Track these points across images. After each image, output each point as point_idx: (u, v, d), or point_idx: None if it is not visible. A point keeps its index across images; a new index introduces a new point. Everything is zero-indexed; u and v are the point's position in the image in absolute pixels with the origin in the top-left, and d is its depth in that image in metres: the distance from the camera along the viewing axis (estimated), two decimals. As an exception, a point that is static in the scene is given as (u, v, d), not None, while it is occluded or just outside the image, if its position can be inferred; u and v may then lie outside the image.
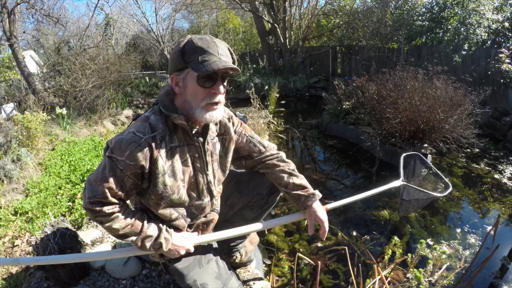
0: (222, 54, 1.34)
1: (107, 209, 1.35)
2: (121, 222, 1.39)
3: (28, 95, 6.95)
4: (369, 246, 2.86)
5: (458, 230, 3.09)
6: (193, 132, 1.45)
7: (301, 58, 11.87)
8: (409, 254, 2.69)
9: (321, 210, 1.73)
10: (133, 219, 1.43)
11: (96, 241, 2.58)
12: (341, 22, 12.24)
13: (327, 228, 1.73)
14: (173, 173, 1.43)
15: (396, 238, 2.89)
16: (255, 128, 5.34)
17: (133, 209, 1.55)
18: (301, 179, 1.77)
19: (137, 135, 1.33)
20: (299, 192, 1.73)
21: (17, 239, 2.95)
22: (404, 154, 3.02)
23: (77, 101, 6.85)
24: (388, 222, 3.26)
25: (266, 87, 6.81)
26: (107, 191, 1.32)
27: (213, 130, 1.58)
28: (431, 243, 2.89)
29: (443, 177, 3.03)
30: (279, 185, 1.78)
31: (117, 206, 1.39)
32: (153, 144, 1.35)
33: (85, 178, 3.83)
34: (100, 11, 12.05)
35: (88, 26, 9.96)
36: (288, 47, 11.82)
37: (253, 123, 5.40)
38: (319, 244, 2.88)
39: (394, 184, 2.51)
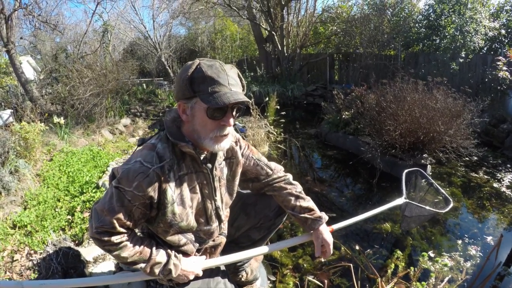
0: (233, 84, 1.31)
1: (115, 239, 1.33)
2: (129, 251, 1.37)
3: (25, 102, 6.90)
4: (372, 260, 2.84)
5: (459, 241, 3.08)
6: (201, 158, 1.44)
7: (298, 65, 11.90)
8: (412, 268, 2.68)
9: (327, 233, 1.74)
10: (142, 246, 1.41)
11: (99, 258, 2.54)
12: (338, 30, 12.28)
13: (331, 251, 1.75)
14: (181, 201, 1.41)
15: (398, 251, 2.88)
16: (255, 139, 5.32)
17: (140, 235, 1.53)
18: (307, 202, 1.77)
19: (145, 165, 1.31)
20: (306, 215, 1.74)
21: (16, 253, 2.89)
22: (406, 171, 3.04)
23: (74, 110, 6.80)
24: (390, 235, 3.25)
25: (267, 98, 6.79)
26: (115, 221, 1.30)
27: (220, 154, 1.56)
28: (432, 255, 2.88)
29: (444, 192, 3.04)
30: (286, 207, 1.78)
31: (125, 235, 1.37)
32: (162, 175, 1.32)
33: (84, 190, 3.80)
34: (98, 18, 12.03)
35: (86, 33, 9.93)
36: (286, 54, 11.85)
37: (252, 134, 5.39)
38: (323, 259, 2.84)
39: (397, 202, 2.55)
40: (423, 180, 3.27)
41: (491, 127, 5.99)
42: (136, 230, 1.53)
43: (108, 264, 2.40)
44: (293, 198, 1.75)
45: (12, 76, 8.92)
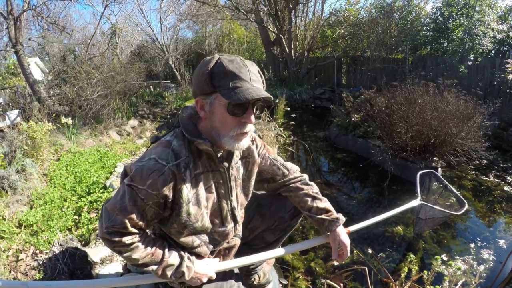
0: (254, 80, 1.26)
1: (126, 239, 1.27)
2: (141, 252, 1.31)
3: (32, 102, 6.91)
4: (385, 263, 2.80)
5: (471, 245, 3.05)
6: (218, 156, 1.38)
7: (306, 69, 11.84)
8: (425, 271, 2.62)
9: (344, 235, 1.69)
10: (154, 248, 1.35)
11: (106, 259, 2.48)
12: (346, 33, 12.23)
13: (348, 253, 1.70)
14: (197, 201, 1.35)
15: (411, 255, 2.83)
16: (264, 141, 5.27)
17: (152, 236, 1.47)
18: (324, 203, 1.72)
19: (160, 162, 1.24)
20: (323, 216, 1.68)
21: (21, 252, 2.85)
22: (420, 172, 3.01)
23: (82, 110, 6.79)
24: (402, 238, 3.20)
25: (278, 100, 6.74)
26: (126, 221, 1.24)
27: (236, 153, 1.50)
28: (445, 258, 2.84)
29: (458, 194, 3.00)
30: (302, 208, 1.73)
31: (137, 236, 1.31)
32: (177, 173, 1.26)
33: (91, 191, 3.77)
34: (106, 20, 12.08)
35: (94, 35, 9.96)
36: (294, 57, 11.79)
37: (262, 136, 5.33)
38: (335, 263, 2.80)
39: (412, 203, 2.54)
40: (435, 183, 3.22)
41: (500, 130, 5.96)
42: (148, 231, 1.47)
43: (116, 266, 2.35)
44: (309, 199, 1.69)
45: (20, 77, 8.96)
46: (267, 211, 1.82)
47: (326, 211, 1.69)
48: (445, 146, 4.42)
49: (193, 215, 1.35)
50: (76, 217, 3.34)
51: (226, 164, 1.42)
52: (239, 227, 1.67)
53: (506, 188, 4.22)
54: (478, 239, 3.13)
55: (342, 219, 1.71)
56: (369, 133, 5.55)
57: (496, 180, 4.49)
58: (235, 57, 1.26)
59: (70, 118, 5.69)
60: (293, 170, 1.76)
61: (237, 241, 1.67)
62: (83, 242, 2.88)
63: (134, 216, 1.25)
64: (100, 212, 1.33)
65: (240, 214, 1.63)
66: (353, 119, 6.04)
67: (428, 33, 10.45)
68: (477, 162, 4.88)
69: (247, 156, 1.57)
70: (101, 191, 3.71)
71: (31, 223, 3.17)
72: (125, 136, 6.85)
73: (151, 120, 8.36)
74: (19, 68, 8.25)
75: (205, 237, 1.48)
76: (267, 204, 1.83)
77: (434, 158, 4.54)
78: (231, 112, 1.24)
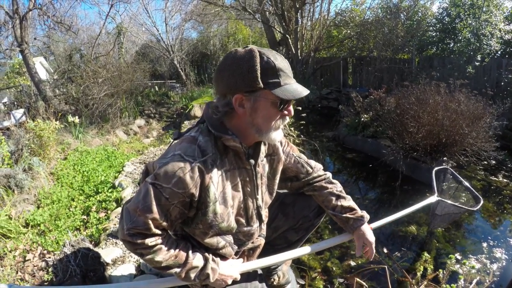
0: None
1: (149, 241, 1.21)
2: (164, 254, 1.24)
3: (38, 101, 6.89)
4: (400, 263, 2.77)
5: (483, 244, 3.04)
6: (245, 153, 1.32)
7: (312, 69, 11.76)
8: (440, 270, 2.59)
9: (369, 232, 1.68)
10: (177, 249, 1.28)
11: (118, 260, 2.41)
12: (352, 33, 12.15)
13: (374, 251, 1.70)
14: (224, 200, 1.29)
15: (426, 254, 2.79)
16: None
17: (173, 236, 1.40)
18: (348, 201, 1.70)
19: (186, 159, 1.18)
20: (347, 215, 1.66)
21: (28, 253, 2.80)
22: (435, 169, 3.01)
23: (88, 109, 6.78)
24: (415, 237, 3.19)
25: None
26: (150, 222, 1.18)
27: (262, 150, 1.44)
28: (459, 257, 2.83)
29: (474, 190, 3.00)
30: (326, 208, 1.70)
31: (160, 237, 1.25)
32: (205, 170, 1.20)
33: (99, 190, 3.72)
34: (111, 20, 12.06)
35: (100, 34, 9.94)
36: (300, 57, 11.72)
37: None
38: (352, 263, 2.77)
39: (430, 200, 2.55)
40: (452, 179, 3.20)
41: (508, 131, 5.93)
42: (169, 232, 1.41)
43: (128, 267, 2.28)
44: (334, 198, 1.67)
45: (25, 76, 8.95)
46: (291, 210, 1.78)
47: (351, 209, 1.68)
48: (455, 146, 4.39)
49: (219, 215, 1.28)
50: (84, 216, 3.29)
51: (252, 161, 1.36)
52: (264, 226, 1.62)
53: (515, 188, 4.20)
54: (489, 238, 3.13)
55: (367, 216, 1.69)
56: (379, 133, 5.50)
57: (505, 180, 4.47)
58: (270, 50, 1.22)
59: (77, 117, 5.65)
60: (317, 168, 1.74)
61: (261, 241, 1.62)
62: (93, 243, 2.82)
63: (157, 216, 1.18)
64: (121, 213, 1.26)
65: (265, 213, 1.58)
66: (362, 119, 5.97)
67: (434, 34, 10.38)
68: (485, 162, 4.85)
69: (272, 154, 1.52)
70: (109, 190, 3.66)
71: (38, 222, 3.13)
72: (132, 135, 6.84)
73: (158, 120, 8.33)
74: (24, 68, 8.25)
75: (230, 238, 1.42)
76: (290, 203, 1.79)
77: (444, 158, 4.49)
78: (281, 108, 1.23)
